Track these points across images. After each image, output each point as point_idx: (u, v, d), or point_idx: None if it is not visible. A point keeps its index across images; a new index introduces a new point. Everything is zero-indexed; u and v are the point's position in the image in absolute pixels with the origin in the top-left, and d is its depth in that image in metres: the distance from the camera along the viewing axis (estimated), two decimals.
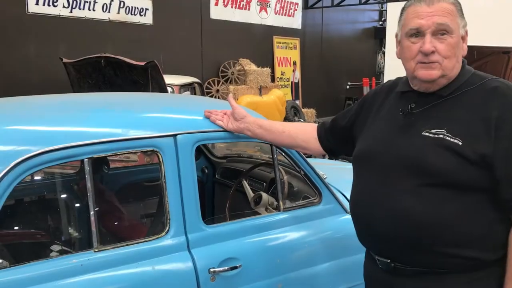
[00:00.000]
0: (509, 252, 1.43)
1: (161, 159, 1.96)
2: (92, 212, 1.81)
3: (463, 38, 1.52)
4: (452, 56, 1.47)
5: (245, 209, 3.31)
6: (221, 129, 2.12)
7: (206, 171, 3.61)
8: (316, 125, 2.05)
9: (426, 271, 1.50)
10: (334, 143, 1.97)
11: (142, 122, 2.01)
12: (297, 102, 13.07)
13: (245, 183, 2.95)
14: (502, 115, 1.40)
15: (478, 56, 6.05)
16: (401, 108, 1.58)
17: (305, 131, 2.05)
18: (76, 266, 1.74)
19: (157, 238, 1.92)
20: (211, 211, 3.70)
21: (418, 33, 1.48)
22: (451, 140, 1.43)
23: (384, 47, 13.74)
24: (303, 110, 12.39)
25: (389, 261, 1.56)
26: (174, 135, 1.99)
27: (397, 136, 1.56)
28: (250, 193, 2.89)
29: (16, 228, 2.34)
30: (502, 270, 1.45)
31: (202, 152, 3.61)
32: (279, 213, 2.34)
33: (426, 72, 1.48)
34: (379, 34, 16.99)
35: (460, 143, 1.42)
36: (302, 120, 8.01)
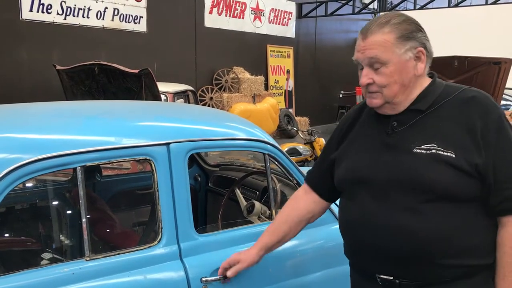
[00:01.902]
0: (498, 253, 1.50)
1: (154, 168, 1.96)
2: (84, 220, 1.80)
3: (418, 58, 1.53)
4: (392, 84, 1.51)
5: (238, 217, 3.31)
6: (215, 138, 2.13)
7: (199, 179, 3.62)
8: (302, 188, 1.97)
9: (431, 283, 1.53)
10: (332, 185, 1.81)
11: (135, 130, 2.02)
12: (291, 110, 13.11)
13: (237, 191, 2.95)
14: (486, 125, 1.46)
15: (470, 66, 6.11)
16: (381, 127, 1.60)
17: (299, 203, 1.93)
18: (68, 274, 1.73)
19: (149, 247, 1.91)
20: (204, 220, 3.70)
21: (360, 64, 1.57)
22: (444, 153, 1.46)
23: None
24: (296, 118, 12.44)
25: (392, 278, 1.57)
26: (167, 144, 1.99)
27: (386, 155, 1.56)
28: (243, 202, 2.90)
29: (6, 235, 2.32)
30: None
31: (195, 160, 3.61)
32: (271, 222, 2.33)
33: (370, 100, 1.57)
34: None
35: (454, 156, 1.46)
36: (295, 128, 7.99)
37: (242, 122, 2.43)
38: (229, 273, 1.92)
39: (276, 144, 2.33)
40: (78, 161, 1.81)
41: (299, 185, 2.44)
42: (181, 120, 2.25)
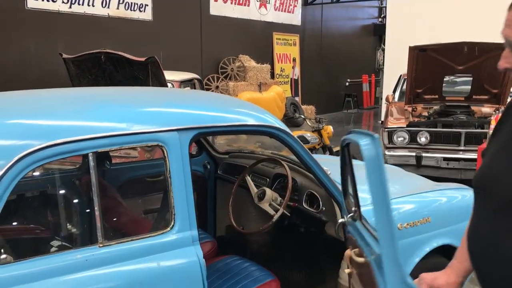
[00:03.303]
0: None
1: (166, 154, 1.94)
2: (96, 207, 1.79)
3: None
4: None
5: (248, 205, 3.30)
6: (225, 124, 2.10)
7: (208, 167, 3.60)
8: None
9: None
10: None
11: (146, 116, 1.99)
12: (297, 98, 13.04)
13: (248, 178, 2.94)
14: None
15: (480, 52, 6.02)
16: None
17: None
18: (81, 261, 1.72)
19: (162, 233, 1.90)
20: (213, 207, 3.69)
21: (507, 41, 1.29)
22: None
23: (384, 44, 13.71)
24: (302, 106, 12.37)
25: None
26: (179, 129, 1.97)
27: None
28: (254, 189, 2.88)
29: (19, 223, 2.32)
30: None
31: (203, 147, 3.59)
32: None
33: None
34: (378, 30, 16.98)
35: None
36: (302, 116, 7.94)
37: (252, 107, 2.40)
38: None
39: (288, 130, 2.30)
40: (89, 147, 1.79)
41: (310, 171, 2.41)
42: (192, 106, 2.22)
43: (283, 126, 2.29)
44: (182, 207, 1.94)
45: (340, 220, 2.31)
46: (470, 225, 1.42)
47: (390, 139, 6.29)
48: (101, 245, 1.77)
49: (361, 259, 1.85)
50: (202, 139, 3.53)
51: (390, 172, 3.47)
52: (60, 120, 1.87)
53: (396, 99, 7.84)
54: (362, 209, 2.09)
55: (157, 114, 2.03)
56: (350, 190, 2.08)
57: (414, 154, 6.13)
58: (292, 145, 2.30)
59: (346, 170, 2.12)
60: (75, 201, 2.38)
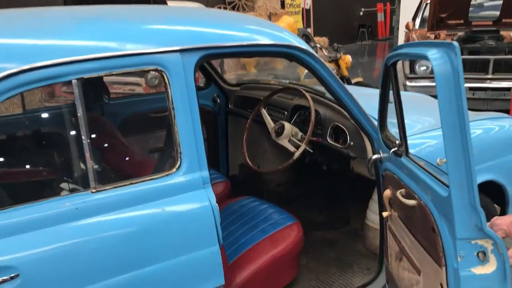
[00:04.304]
0: None
1: (167, 80, 1.60)
2: (86, 145, 1.48)
3: None
4: None
5: (264, 141, 2.99)
6: (233, 43, 1.74)
7: (218, 100, 3.26)
8: None
9: None
10: None
11: (142, 34, 1.63)
12: (309, 30, 12.42)
13: (264, 111, 2.60)
14: None
15: None
16: None
17: None
18: (70, 210, 1.44)
19: (167, 175, 1.60)
20: (225, 145, 3.38)
21: None
22: None
23: None
24: (315, 38, 11.77)
25: None
26: (182, 50, 1.62)
27: None
28: (271, 123, 2.55)
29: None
30: None
31: (212, 78, 3.23)
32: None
33: None
34: None
35: None
36: (318, 45, 7.44)
37: (268, 24, 2.02)
38: None
39: (311, 50, 1.93)
40: (74, 72, 1.46)
41: (338, 100, 2.07)
42: (197, 23, 1.84)
43: (304, 45, 1.93)
44: (190, 144, 1.63)
45: (374, 156, 1.99)
46: None
47: (412, 69, 5.94)
48: (94, 191, 1.49)
49: (411, 201, 1.55)
50: (209, 69, 3.16)
51: (418, 101, 3.11)
52: (39, 39, 1.51)
53: (417, 26, 7.38)
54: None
55: (155, 31, 1.67)
56: (395, 120, 1.74)
57: None
58: (317, 68, 1.94)
59: (387, 96, 1.78)
60: (63, 141, 2.06)
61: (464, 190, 1.22)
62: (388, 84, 1.75)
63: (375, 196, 2.43)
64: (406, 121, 1.79)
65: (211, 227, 1.65)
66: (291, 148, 2.36)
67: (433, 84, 4.75)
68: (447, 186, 1.30)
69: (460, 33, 6.51)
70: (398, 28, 12.29)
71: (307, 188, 3.26)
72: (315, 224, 2.95)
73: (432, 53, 1.24)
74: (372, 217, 2.49)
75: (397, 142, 1.76)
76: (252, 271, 2.01)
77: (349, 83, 5.55)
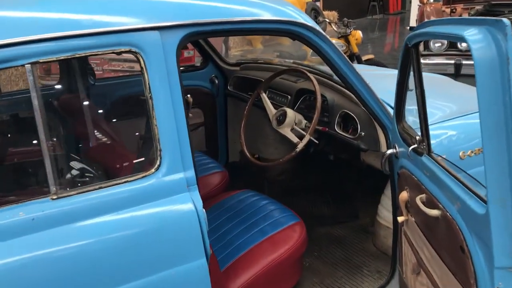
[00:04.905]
0: None
1: (143, 64, 1.34)
2: (43, 143, 1.23)
3: None
4: None
5: (266, 128, 2.72)
6: (227, 19, 1.47)
7: (216, 81, 2.98)
8: None
9: None
10: None
11: (111, 7, 1.35)
12: (318, 4, 11.98)
13: (264, 96, 2.32)
14: None
15: None
16: None
17: None
18: (25, 221, 1.20)
19: (144, 176, 1.35)
20: (224, 131, 3.12)
21: None
22: None
23: None
24: (324, 12, 11.36)
25: None
26: (161, 28, 1.35)
27: None
28: (271, 109, 2.28)
29: None
30: None
31: (209, 57, 2.95)
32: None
33: None
34: None
35: None
36: (327, 20, 7.07)
37: None
38: None
39: (318, 28, 1.66)
40: (25, 55, 1.20)
41: (348, 84, 1.80)
42: None
43: (311, 22, 1.65)
44: (172, 139, 1.38)
45: (389, 151, 1.73)
46: None
47: (426, 45, 5.62)
48: (54, 197, 1.25)
49: (434, 212, 1.29)
50: (206, 46, 2.87)
51: (438, 84, 2.80)
52: None
53: None
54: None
55: (127, 4, 1.39)
56: (412, 107, 1.47)
57: (453, 61, 5.42)
58: (324, 48, 1.68)
59: (406, 83, 1.50)
60: (19, 136, 1.79)
61: (508, 209, 0.96)
62: (408, 68, 1.47)
63: (387, 191, 2.18)
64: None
65: (196, 237, 1.41)
66: (294, 138, 2.09)
67: (449, 61, 4.40)
68: (484, 202, 1.04)
69: (478, 7, 6.17)
70: (410, 2, 11.85)
71: (311, 178, 3.01)
72: (319, 218, 2.70)
73: (471, 33, 0.96)
74: (384, 213, 2.24)
75: (417, 137, 1.49)
76: (249, 279, 1.78)
77: (360, 60, 5.23)
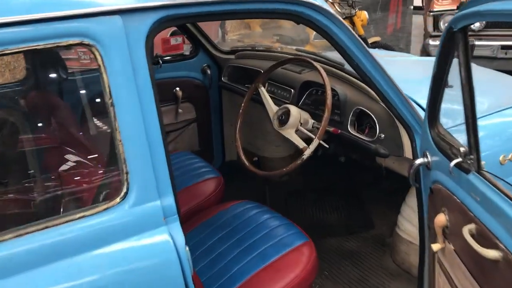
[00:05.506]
0: None
1: (100, 61, 1.01)
2: None
3: None
4: None
5: (266, 126, 2.38)
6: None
7: (209, 71, 2.63)
8: None
9: None
10: None
11: None
12: None
13: (263, 90, 1.97)
14: None
15: None
16: None
17: None
18: None
19: (105, 209, 1.03)
20: (220, 128, 2.78)
21: None
22: None
23: None
24: None
25: None
26: (123, 11, 1.02)
27: None
28: (272, 107, 1.93)
29: None
30: None
31: (200, 44, 2.60)
32: None
33: None
34: None
35: None
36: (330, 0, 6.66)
37: None
38: None
39: (328, 7, 1.32)
40: None
41: (363, 76, 1.46)
42: None
43: (319, 1, 1.31)
44: (142, 158, 1.06)
45: (419, 161, 1.39)
46: None
47: (436, 26, 5.30)
48: None
49: (492, 253, 0.96)
50: (195, 31, 2.51)
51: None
52: None
53: None
54: None
55: None
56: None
57: None
58: (335, 33, 1.35)
59: (445, 78, 1.17)
60: None
61: None
62: (450, 59, 1.13)
63: (410, 202, 1.86)
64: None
65: (177, 283, 1.09)
66: (300, 143, 1.74)
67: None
68: None
69: None
70: None
71: (318, 180, 2.67)
72: (329, 228, 2.38)
73: None
74: (406, 226, 1.91)
75: (461, 149, 1.16)
76: None
77: (366, 43, 4.87)
